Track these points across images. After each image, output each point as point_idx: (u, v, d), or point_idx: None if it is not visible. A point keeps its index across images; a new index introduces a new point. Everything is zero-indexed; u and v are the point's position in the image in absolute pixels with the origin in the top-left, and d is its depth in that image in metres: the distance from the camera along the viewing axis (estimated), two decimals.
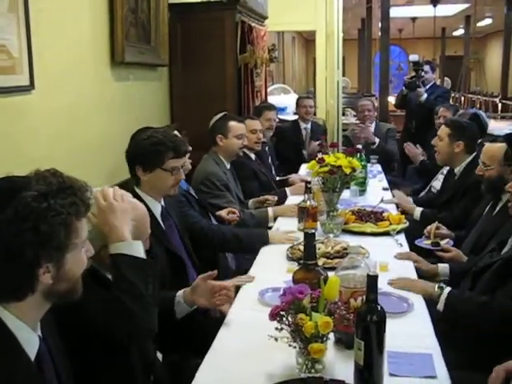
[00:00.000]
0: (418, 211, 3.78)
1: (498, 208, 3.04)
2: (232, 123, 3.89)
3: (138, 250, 1.75)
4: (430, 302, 2.44)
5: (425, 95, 6.31)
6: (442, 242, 3.14)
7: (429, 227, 3.25)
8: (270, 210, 3.72)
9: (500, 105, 14.23)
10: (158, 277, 1.80)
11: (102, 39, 3.38)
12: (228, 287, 2.28)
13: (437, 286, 2.44)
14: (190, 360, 2.14)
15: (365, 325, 1.71)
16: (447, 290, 2.41)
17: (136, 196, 2.51)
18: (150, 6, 4.03)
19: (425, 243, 3.17)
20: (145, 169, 2.59)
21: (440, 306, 2.38)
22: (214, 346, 2.06)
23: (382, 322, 1.71)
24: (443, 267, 2.86)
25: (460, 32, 20.86)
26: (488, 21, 17.57)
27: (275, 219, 3.68)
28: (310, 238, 2.03)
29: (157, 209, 2.64)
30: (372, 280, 1.69)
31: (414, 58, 7.07)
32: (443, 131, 3.91)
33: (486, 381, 2.07)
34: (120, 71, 3.62)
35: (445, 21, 18.96)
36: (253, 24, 5.37)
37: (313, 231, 2.08)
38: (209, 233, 3.04)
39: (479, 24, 18.36)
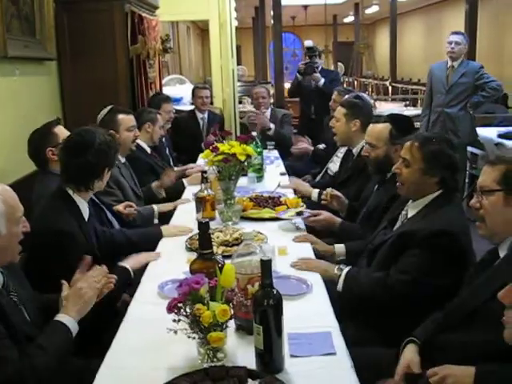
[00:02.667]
0: (315, 192, 3.85)
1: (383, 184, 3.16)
2: (121, 116, 3.75)
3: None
4: (330, 281, 2.50)
5: (322, 80, 6.47)
6: (301, 209, 3.22)
7: (325, 191, 3.39)
8: (155, 207, 3.68)
9: (390, 88, 14.78)
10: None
11: None
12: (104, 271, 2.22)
13: (336, 267, 2.51)
14: (92, 362, 2.06)
15: (262, 309, 1.72)
16: (346, 270, 2.48)
17: (67, 197, 2.56)
18: None
19: (287, 215, 3.18)
20: (109, 168, 2.71)
21: (339, 287, 2.44)
22: (114, 344, 2.01)
23: (279, 306, 1.73)
24: (339, 247, 2.94)
25: (350, 19, 21.43)
26: (375, 8, 18.15)
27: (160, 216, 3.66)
28: (203, 227, 2.01)
29: (85, 210, 2.63)
30: (265, 264, 1.70)
31: (308, 43, 7.22)
32: (339, 112, 3.99)
33: (383, 354, 2.16)
34: (3, 66, 3.44)
35: (335, 8, 19.42)
36: (143, 14, 5.26)
37: (206, 220, 2.06)
38: (101, 239, 2.91)
39: (367, 11, 18.96)
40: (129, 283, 2.59)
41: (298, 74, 6.75)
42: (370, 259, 2.64)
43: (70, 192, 2.55)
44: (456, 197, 2.52)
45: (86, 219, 2.61)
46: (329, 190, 3.39)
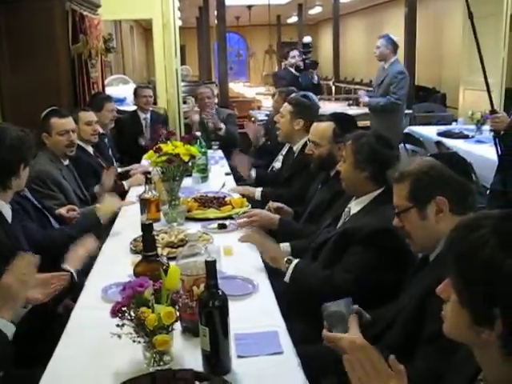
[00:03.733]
0: (258, 192, 3.85)
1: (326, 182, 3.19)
2: (53, 120, 3.64)
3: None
4: (276, 279, 2.50)
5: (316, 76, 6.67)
6: (227, 222, 3.19)
7: (268, 205, 3.35)
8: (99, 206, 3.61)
9: (334, 87, 14.97)
10: None
11: None
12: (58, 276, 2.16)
13: (286, 258, 2.51)
14: (36, 371, 2.00)
15: (207, 311, 1.71)
16: (295, 262, 2.49)
17: None
18: None
19: (211, 226, 3.15)
20: (25, 165, 2.57)
21: (287, 278, 2.45)
22: (57, 352, 1.95)
23: (224, 307, 1.72)
24: (284, 246, 2.95)
25: (294, 19, 21.59)
26: (318, 9, 18.36)
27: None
28: (146, 229, 1.98)
29: (8, 212, 2.53)
30: (210, 265, 1.69)
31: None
32: (285, 108, 4.02)
33: (330, 351, 2.17)
34: None
35: (279, 8, 19.52)
36: (85, 13, 5.16)
37: (150, 222, 2.03)
38: (42, 243, 2.82)
39: (311, 12, 19.15)
40: (72, 286, 2.51)
41: (293, 70, 6.78)
42: (314, 257, 2.65)
43: None
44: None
45: (10, 222, 2.50)
46: (270, 204, 3.33)
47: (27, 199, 3.06)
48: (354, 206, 2.58)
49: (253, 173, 4.56)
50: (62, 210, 3.30)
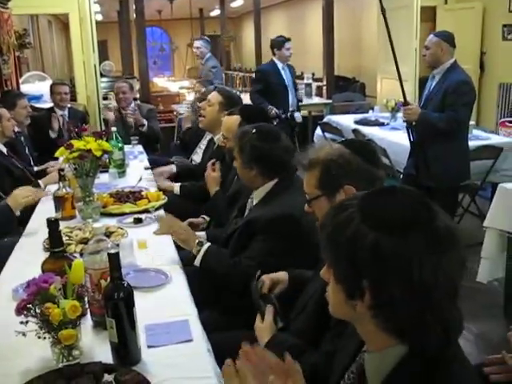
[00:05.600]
0: (177, 187, 3.85)
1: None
2: None
3: None
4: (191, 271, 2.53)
5: None
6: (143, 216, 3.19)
7: None
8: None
9: None
10: None
11: None
12: None
13: (197, 241, 2.53)
14: None
15: (113, 303, 1.71)
16: (206, 246, 2.51)
17: None
18: None
19: (127, 221, 3.15)
20: None
21: (197, 262, 2.48)
22: None
23: (130, 298, 1.73)
24: (200, 234, 2.98)
25: (217, 12, 21.52)
26: (240, 1, 18.37)
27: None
28: (52, 225, 1.96)
29: None
30: (113, 258, 1.70)
31: None
32: (215, 97, 4.02)
33: (242, 336, 2.21)
34: None
35: (201, 2, 19.43)
36: None
37: (54, 218, 2.01)
38: None
39: (232, 4, 19.13)
40: None
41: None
42: (225, 248, 2.69)
43: None
44: (293, 182, 2.59)
45: None
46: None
47: None
48: (256, 197, 2.65)
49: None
50: None
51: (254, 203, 2.64)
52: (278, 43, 6.79)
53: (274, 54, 6.82)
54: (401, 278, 1.05)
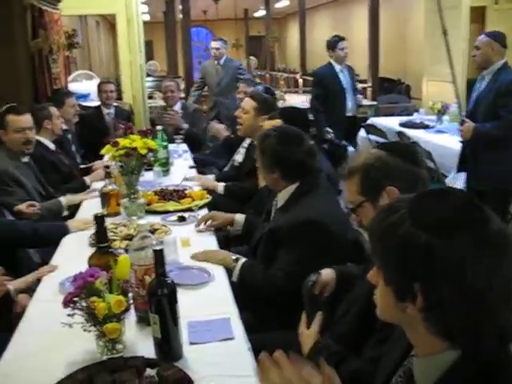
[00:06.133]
0: (221, 186, 3.87)
1: None
2: (10, 117, 3.61)
3: None
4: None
5: None
6: (186, 215, 3.22)
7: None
8: (63, 200, 3.62)
9: (301, 80, 15.01)
10: None
11: None
12: None
13: (233, 257, 2.55)
14: None
15: (156, 299, 1.74)
16: (241, 262, 2.53)
17: None
18: None
19: (171, 219, 3.19)
20: None
21: (234, 278, 2.49)
22: (11, 345, 1.97)
23: (173, 294, 1.76)
24: (240, 216, 3.06)
25: (262, 13, 21.56)
26: (285, 2, 18.34)
27: (71, 208, 3.61)
28: (98, 221, 2.00)
29: None
30: (158, 254, 1.72)
31: None
32: (249, 104, 3.98)
33: (281, 337, 2.22)
34: None
35: (246, 2, 19.51)
36: (44, 7, 5.12)
37: (101, 214, 2.06)
38: (3, 231, 2.84)
39: (277, 5, 19.13)
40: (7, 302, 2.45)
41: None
42: (253, 255, 2.71)
43: None
44: (317, 186, 2.59)
45: None
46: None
47: None
48: (280, 200, 2.65)
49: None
50: (21, 206, 3.30)
51: (278, 206, 2.64)
52: (332, 43, 6.45)
53: (330, 56, 6.51)
54: (453, 281, 1.03)
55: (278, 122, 3.19)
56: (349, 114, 6.46)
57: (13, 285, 2.45)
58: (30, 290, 2.55)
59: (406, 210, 1.12)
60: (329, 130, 6.08)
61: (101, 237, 2.03)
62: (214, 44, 7.30)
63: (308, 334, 1.91)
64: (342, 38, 6.48)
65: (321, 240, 2.37)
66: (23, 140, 3.63)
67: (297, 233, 2.39)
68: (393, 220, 1.12)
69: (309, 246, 2.37)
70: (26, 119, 3.68)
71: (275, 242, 2.48)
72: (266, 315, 2.43)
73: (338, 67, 6.43)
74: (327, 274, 2.14)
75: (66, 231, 3.05)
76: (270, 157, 2.58)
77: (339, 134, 6.12)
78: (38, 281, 2.54)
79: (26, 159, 3.72)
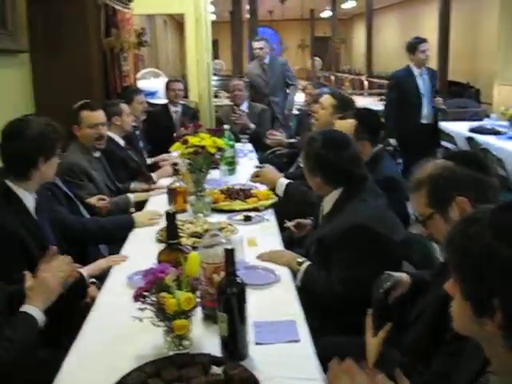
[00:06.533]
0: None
1: None
2: (84, 113, 3.72)
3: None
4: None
5: None
6: (252, 214, 3.22)
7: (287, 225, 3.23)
8: (131, 196, 3.69)
9: (366, 82, 14.87)
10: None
11: None
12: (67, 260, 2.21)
13: (299, 260, 2.54)
14: (61, 351, 2.08)
15: (225, 297, 1.75)
16: (305, 266, 2.52)
17: (6, 189, 2.47)
18: None
19: (237, 218, 3.19)
20: (47, 158, 2.55)
21: (297, 282, 2.48)
22: (81, 334, 2.03)
23: (242, 294, 1.76)
24: (282, 181, 3.31)
25: (327, 14, 21.46)
26: (352, 3, 18.19)
27: (138, 204, 3.67)
28: (170, 218, 2.03)
29: (30, 201, 2.55)
30: (228, 253, 1.73)
31: None
32: (328, 101, 3.99)
33: (345, 342, 2.21)
34: None
35: (312, 2, 19.48)
36: (117, 7, 5.24)
37: (173, 211, 2.08)
38: (73, 228, 2.92)
39: (344, 6, 19.00)
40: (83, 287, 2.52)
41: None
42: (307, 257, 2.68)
43: (11, 184, 2.50)
44: (363, 190, 2.55)
45: (33, 212, 2.55)
46: (289, 224, 3.20)
47: (58, 187, 3.15)
48: (326, 205, 2.64)
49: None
50: (93, 200, 3.40)
51: (324, 213, 2.64)
52: (412, 46, 6.11)
53: (410, 59, 6.16)
54: None
55: (349, 122, 3.17)
56: (424, 121, 6.18)
57: (85, 270, 2.52)
58: (98, 281, 2.63)
59: (486, 221, 1.08)
60: (392, 141, 5.92)
61: (171, 233, 2.06)
62: (256, 44, 7.19)
63: (374, 341, 1.89)
64: (423, 40, 6.15)
65: (369, 244, 2.37)
66: (96, 135, 3.72)
67: (345, 239, 2.39)
68: (472, 232, 1.08)
69: (358, 251, 2.36)
70: (99, 115, 3.78)
71: (325, 249, 2.48)
72: (328, 320, 2.41)
73: (416, 71, 6.13)
74: (401, 274, 2.11)
75: (131, 226, 3.12)
76: (313, 161, 2.58)
77: (414, 142, 5.87)
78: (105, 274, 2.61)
79: (97, 154, 3.83)
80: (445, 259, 1.18)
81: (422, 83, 6.12)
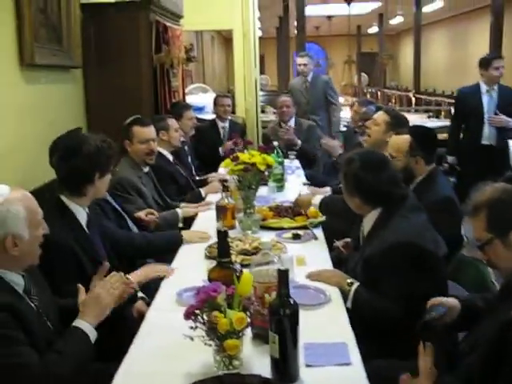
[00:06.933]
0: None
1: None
2: (135, 128, 3.76)
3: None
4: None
5: None
6: (301, 232, 3.19)
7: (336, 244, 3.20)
8: (180, 212, 3.71)
9: (414, 99, 14.72)
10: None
11: (7, 41, 3.25)
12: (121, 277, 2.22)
13: (348, 281, 2.50)
14: (110, 366, 2.10)
15: (278, 318, 1.73)
16: (355, 286, 2.48)
17: (61, 204, 2.53)
18: (60, 6, 3.90)
19: (285, 236, 3.17)
20: (101, 174, 2.61)
21: (348, 304, 2.44)
22: (132, 350, 2.04)
23: (295, 315, 1.75)
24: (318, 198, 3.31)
25: (374, 29, 21.40)
26: (399, 18, 18.06)
27: (186, 220, 3.69)
28: (222, 236, 2.03)
29: (83, 216, 2.60)
30: (282, 274, 1.72)
31: None
32: (381, 117, 3.95)
33: (397, 366, 2.16)
34: (30, 74, 3.49)
35: (359, 19, 19.44)
36: (168, 24, 5.32)
37: (225, 229, 2.08)
38: (122, 243, 2.96)
39: (391, 22, 18.91)
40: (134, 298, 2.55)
41: None
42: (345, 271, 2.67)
43: (65, 199, 2.54)
44: (403, 207, 2.52)
45: (85, 226, 2.59)
46: (337, 243, 3.18)
47: (107, 202, 3.20)
48: (365, 227, 2.62)
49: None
50: (141, 214, 3.43)
51: (365, 234, 2.61)
52: (485, 62, 5.65)
53: (481, 75, 5.71)
54: None
55: (404, 138, 3.14)
56: (485, 141, 5.67)
57: (132, 277, 2.51)
58: (144, 293, 2.65)
59: None
60: (450, 159, 5.79)
61: (223, 252, 2.06)
62: (300, 60, 7.03)
63: (425, 366, 1.84)
64: (498, 56, 5.82)
65: (415, 260, 2.33)
66: (147, 151, 3.76)
67: (390, 257, 2.35)
68: None
69: (405, 269, 2.33)
70: (150, 131, 3.82)
71: (371, 269, 2.44)
72: (380, 342, 2.36)
73: (484, 88, 5.68)
74: (450, 299, 2.07)
75: (179, 243, 3.14)
76: (352, 182, 2.57)
77: (472, 163, 5.60)
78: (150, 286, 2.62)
79: (146, 169, 3.87)
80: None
81: (488, 101, 5.68)
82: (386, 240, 2.40)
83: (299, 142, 5.80)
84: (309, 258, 2.84)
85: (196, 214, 3.77)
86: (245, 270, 2.09)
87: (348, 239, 3.16)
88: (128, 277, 2.43)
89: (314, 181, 4.86)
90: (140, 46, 4.66)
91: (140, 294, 2.64)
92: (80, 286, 2.13)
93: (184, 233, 3.22)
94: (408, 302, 2.24)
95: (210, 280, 2.08)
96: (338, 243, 3.15)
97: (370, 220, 2.58)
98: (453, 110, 6.14)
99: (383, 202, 2.53)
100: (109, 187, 3.29)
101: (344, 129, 7.13)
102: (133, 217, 3.41)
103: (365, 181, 2.51)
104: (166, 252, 3.10)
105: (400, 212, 2.49)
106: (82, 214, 2.59)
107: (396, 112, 4.20)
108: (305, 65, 6.94)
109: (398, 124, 3.80)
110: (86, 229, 2.58)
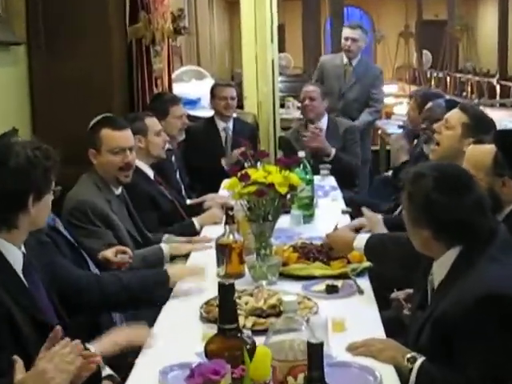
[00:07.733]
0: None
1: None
2: (105, 132, 3.76)
3: None
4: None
5: None
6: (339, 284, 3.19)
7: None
8: (165, 248, 3.74)
9: (498, 87, 14.67)
10: None
11: None
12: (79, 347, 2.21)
13: (407, 356, 2.48)
14: None
15: None
16: (418, 362, 2.45)
17: None
18: None
19: (317, 288, 3.18)
20: (37, 197, 2.55)
21: None
22: None
23: None
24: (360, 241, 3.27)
25: None
26: None
27: (173, 258, 3.73)
28: (226, 292, 2.00)
29: (16, 258, 2.56)
30: (314, 350, 1.71)
31: None
32: (456, 118, 3.90)
33: None
34: None
35: None
36: None
37: (230, 282, 2.06)
38: (84, 287, 2.95)
39: None
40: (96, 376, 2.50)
41: None
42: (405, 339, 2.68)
43: None
44: (488, 246, 2.51)
45: (21, 272, 2.56)
46: (397, 294, 3.23)
47: (60, 233, 3.19)
48: (436, 275, 2.62)
49: None
50: (108, 253, 3.40)
51: (437, 284, 2.61)
52: None
53: None
54: None
55: (486, 149, 3.10)
56: None
57: (95, 346, 2.50)
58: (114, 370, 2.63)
59: None
60: None
61: (227, 314, 2.02)
62: (349, 32, 6.94)
63: None
64: None
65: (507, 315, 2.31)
66: (120, 164, 3.76)
67: (475, 319, 2.32)
68: None
69: (498, 335, 2.30)
70: (126, 136, 3.83)
71: (444, 335, 2.42)
72: None
73: None
74: None
75: (166, 285, 3.14)
76: (422, 206, 2.55)
77: None
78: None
79: (118, 191, 3.88)
80: None
81: None
82: (469, 292, 2.38)
83: (333, 150, 5.77)
84: (350, 320, 2.81)
85: (188, 253, 3.77)
86: (258, 341, 2.07)
87: (410, 290, 3.15)
88: (89, 346, 2.43)
89: (353, 205, 4.84)
90: (108, 14, 4.71)
91: (107, 372, 2.62)
92: (17, 357, 2.12)
93: (169, 268, 3.23)
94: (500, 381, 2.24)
95: (207, 354, 2.06)
96: (398, 293, 3.16)
97: (443, 264, 2.56)
98: None
99: (465, 237, 2.51)
100: (64, 213, 3.32)
101: (398, 132, 7.14)
102: (96, 258, 3.39)
103: (440, 206, 2.50)
104: (147, 298, 3.10)
105: (488, 252, 2.47)
106: (15, 255, 2.54)
107: (477, 109, 4.16)
108: (354, 40, 6.85)
109: (480, 127, 3.75)
110: (21, 276, 2.55)
